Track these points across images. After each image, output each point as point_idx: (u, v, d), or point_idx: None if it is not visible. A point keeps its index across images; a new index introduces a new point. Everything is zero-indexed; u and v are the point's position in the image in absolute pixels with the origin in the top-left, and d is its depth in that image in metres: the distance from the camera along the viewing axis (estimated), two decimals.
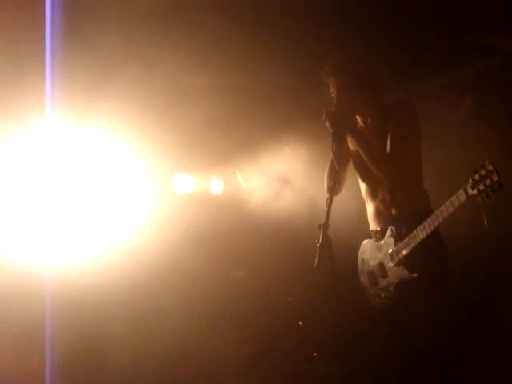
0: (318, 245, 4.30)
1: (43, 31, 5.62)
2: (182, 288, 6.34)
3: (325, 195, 4.57)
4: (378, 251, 4.65)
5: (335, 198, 4.52)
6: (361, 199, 4.79)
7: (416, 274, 4.41)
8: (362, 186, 4.77)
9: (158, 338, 6.12)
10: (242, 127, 6.37)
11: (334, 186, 4.56)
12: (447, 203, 4.17)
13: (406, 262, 4.45)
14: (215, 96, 6.05)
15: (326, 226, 4.34)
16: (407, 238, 4.42)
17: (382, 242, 4.60)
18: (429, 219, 4.30)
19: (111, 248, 6.10)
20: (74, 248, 6.00)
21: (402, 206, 4.54)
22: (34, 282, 5.82)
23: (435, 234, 4.35)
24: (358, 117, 4.69)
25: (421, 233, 4.34)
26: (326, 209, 4.42)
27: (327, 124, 4.55)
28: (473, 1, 5.32)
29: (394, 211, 4.56)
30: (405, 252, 4.44)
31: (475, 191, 4.01)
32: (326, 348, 6.20)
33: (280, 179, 6.32)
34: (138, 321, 6.17)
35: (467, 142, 5.70)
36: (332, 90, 4.62)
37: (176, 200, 6.54)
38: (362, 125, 4.69)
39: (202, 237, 6.44)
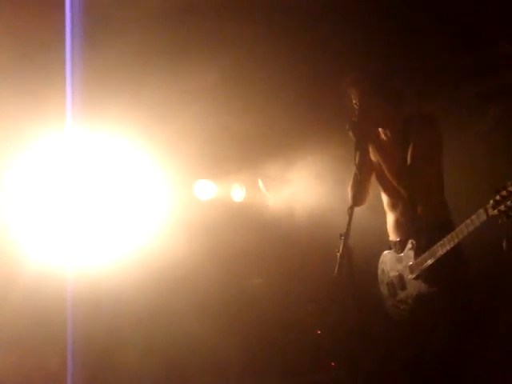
0: (338, 254, 4.32)
1: (64, 37, 5.69)
2: (200, 294, 6.35)
3: (346, 205, 4.58)
4: (397, 263, 4.65)
5: (357, 209, 4.53)
6: (382, 210, 4.79)
7: (435, 289, 4.42)
8: (384, 197, 4.78)
9: (172, 340, 6.15)
10: (264, 136, 6.40)
11: (357, 197, 4.57)
12: (467, 221, 4.17)
13: (426, 276, 4.45)
14: (240, 105, 6.10)
15: (346, 235, 4.35)
16: (427, 253, 4.41)
17: (402, 254, 4.60)
18: (449, 236, 4.29)
19: (131, 252, 6.13)
20: (95, 251, 6.04)
21: (422, 218, 4.54)
22: (55, 284, 5.86)
23: (456, 249, 4.34)
24: (379, 128, 4.70)
25: (440, 248, 4.34)
26: (347, 218, 4.44)
27: (350, 134, 4.56)
28: (499, 12, 5.32)
29: (414, 223, 4.56)
30: (424, 266, 4.44)
31: (496, 212, 4.00)
32: (343, 358, 6.19)
33: (302, 188, 6.34)
34: (153, 323, 6.20)
35: (490, 156, 5.69)
36: (354, 101, 4.64)
37: (198, 206, 6.57)
38: (384, 136, 4.70)
39: (223, 243, 6.47)
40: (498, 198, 3.98)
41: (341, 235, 4.34)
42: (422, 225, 4.53)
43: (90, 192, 6.09)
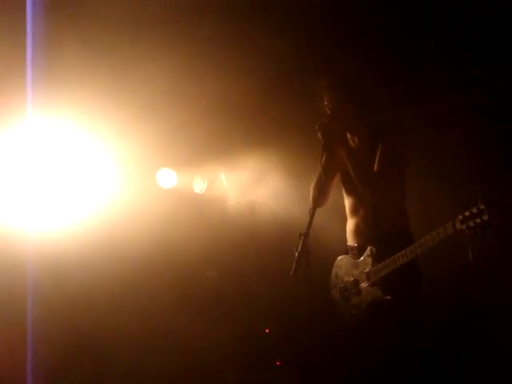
0: (296, 253, 4.31)
1: (24, 27, 5.64)
2: (153, 281, 6.33)
3: (308, 205, 4.59)
4: (353, 268, 4.66)
5: (318, 210, 4.53)
6: (343, 214, 4.81)
7: (389, 297, 4.44)
8: (346, 201, 4.79)
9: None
10: (231, 131, 6.38)
11: (319, 198, 4.58)
12: (433, 233, 4.20)
13: (382, 284, 4.47)
14: (208, 97, 6.07)
15: (306, 235, 4.34)
16: (386, 261, 4.43)
17: (360, 259, 4.62)
18: (412, 246, 4.32)
19: (92, 238, 6.07)
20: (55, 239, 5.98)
21: (383, 226, 4.57)
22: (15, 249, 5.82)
23: (413, 261, 4.37)
24: (348, 133, 4.72)
25: (401, 258, 4.36)
26: (308, 218, 4.43)
27: (319, 135, 4.58)
28: (472, 35, 5.39)
29: (374, 230, 4.58)
30: (382, 274, 4.45)
31: (464, 227, 4.04)
32: (290, 357, 6.21)
33: (264, 186, 6.33)
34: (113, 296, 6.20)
35: (452, 172, 5.76)
36: (326, 103, 4.65)
37: (159, 194, 6.54)
38: (353, 140, 4.71)
39: (180, 233, 6.43)
40: (467, 213, 4.03)
41: (300, 235, 4.34)
42: (382, 232, 4.55)
43: (51, 181, 6.04)
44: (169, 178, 6.67)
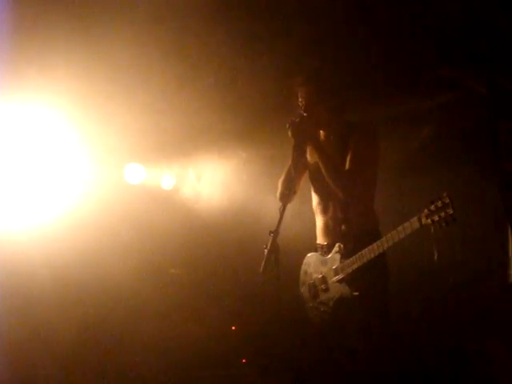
0: (265, 250, 4.32)
1: None
2: (118, 277, 6.29)
3: (277, 202, 4.60)
4: (322, 265, 4.69)
5: (288, 207, 4.55)
6: (312, 212, 4.83)
7: (357, 293, 4.48)
8: (314, 199, 4.82)
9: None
10: (201, 128, 6.35)
11: (287, 194, 4.60)
12: (399, 228, 4.25)
13: (349, 280, 4.51)
14: (179, 93, 6.03)
15: (276, 232, 4.35)
16: (354, 257, 4.48)
17: (328, 256, 4.65)
18: (378, 242, 4.37)
19: (55, 230, 6.01)
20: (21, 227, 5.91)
21: (352, 224, 4.60)
22: None
23: (381, 256, 4.42)
24: (320, 131, 4.74)
25: (369, 253, 4.41)
26: (277, 216, 4.45)
27: (290, 134, 4.59)
28: (440, 35, 5.45)
29: (343, 228, 4.62)
30: (349, 270, 4.50)
31: (429, 221, 4.11)
32: (257, 355, 6.22)
33: (233, 182, 6.34)
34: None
35: (420, 171, 5.82)
36: (300, 100, 4.67)
37: (126, 189, 6.50)
38: (324, 139, 4.74)
39: (147, 229, 6.41)
40: (432, 207, 4.10)
41: (270, 232, 4.35)
42: (350, 230, 4.59)
43: (16, 169, 5.96)
44: (137, 174, 6.63)
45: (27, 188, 6.04)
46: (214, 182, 6.54)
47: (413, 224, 4.19)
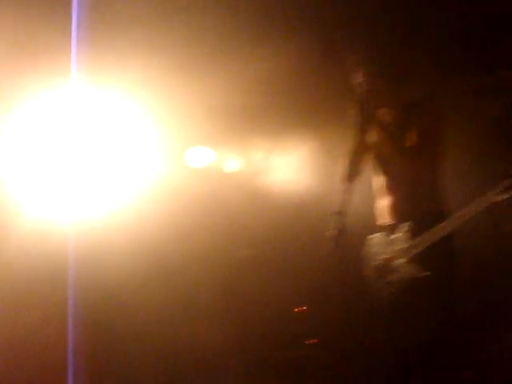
0: (330, 231, 4.29)
1: None
2: (188, 262, 6.35)
3: (340, 183, 4.56)
4: (388, 246, 4.62)
5: (352, 188, 4.50)
6: (376, 191, 4.77)
7: (426, 273, 4.40)
8: (379, 179, 4.74)
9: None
10: (264, 109, 6.35)
11: (351, 175, 4.55)
12: (469, 207, 4.16)
13: (417, 260, 4.43)
14: (244, 74, 6.04)
15: (341, 213, 4.32)
16: (422, 236, 4.39)
17: (394, 236, 4.58)
18: (448, 220, 4.28)
19: (119, 214, 6.09)
20: (91, 206, 6.00)
21: (418, 203, 4.51)
22: (55, 239, 5.83)
23: (450, 236, 4.33)
24: (383, 108, 4.66)
25: (438, 233, 4.32)
26: (341, 196, 4.41)
27: (353, 112, 4.53)
28: None
29: (409, 207, 4.53)
30: (418, 249, 4.42)
31: (499, 199, 4.00)
32: (326, 336, 6.20)
33: (299, 163, 6.32)
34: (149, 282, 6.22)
35: (492, 148, 5.68)
36: (359, 80, 4.60)
37: (191, 173, 6.54)
38: (387, 116, 4.66)
39: (214, 212, 6.44)
40: (503, 185, 4.00)
41: (335, 213, 4.31)
42: (416, 209, 4.50)
43: (87, 146, 6.02)
44: (202, 156, 6.66)
45: (99, 175, 6.13)
46: (280, 163, 6.52)
47: (483, 202, 4.10)
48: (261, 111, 6.37)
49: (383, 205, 4.69)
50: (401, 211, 4.57)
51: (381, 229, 4.69)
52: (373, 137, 4.68)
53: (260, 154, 6.72)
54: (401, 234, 4.53)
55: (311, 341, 6.41)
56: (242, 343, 6.30)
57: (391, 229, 4.60)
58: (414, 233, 4.45)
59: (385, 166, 4.66)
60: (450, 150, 4.59)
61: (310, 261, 6.01)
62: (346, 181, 4.53)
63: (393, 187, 4.63)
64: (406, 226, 4.51)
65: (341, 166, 4.69)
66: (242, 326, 6.38)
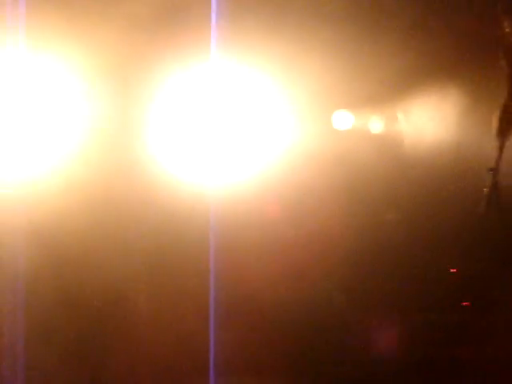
0: (485, 189, 4.15)
1: None
2: (330, 225, 6.31)
3: (492, 140, 4.39)
4: None
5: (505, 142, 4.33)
6: None
7: None
8: None
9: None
10: (409, 67, 6.18)
11: (506, 129, 4.37)
12: None
13: None
14: (389, 33, 5.91)
15: (495, 170, 4.16)
16: None
17: None
18: None
19: (263, 177, 6.12)
20: (232, 173, 6.08)
21: None
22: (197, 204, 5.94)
23: None
24: None
25: None
26: (496, 153, 4.24)
27: (503, 63, 4.34)
28: None
29: None
30: None
31: None
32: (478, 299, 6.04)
33: (443, 121, 6.14)
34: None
35: None
36: (507, 30, 4.40)
37: (334, 136, 6.47)
38: None
39: (357, 176, 6.36)
40: None
41: (489, 169, 4.16)
42: None
43: (226, 118, 6.09)
44: (345, 119, 6.58)
45: (239, 142, 6.17)
46: (428, 121, 6.36)
47: None
48: (404, 68, 6.21)
49: None
50: None
51: None
52: None
53: (407, 114, 6.58)
54: None
55: (465, 303, 6.27)
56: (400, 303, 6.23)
57: None
58: None
59: None
60: None
61: (463, 219, 5.85)
62: (499, 136, 4.35)
63: None
64: None
65: (494, 121, 4.52)
66: (395, 286, 6.31)
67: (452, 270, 6.45)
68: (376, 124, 6.66)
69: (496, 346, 5.52)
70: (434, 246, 6.37)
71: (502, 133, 4.44)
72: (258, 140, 6.24)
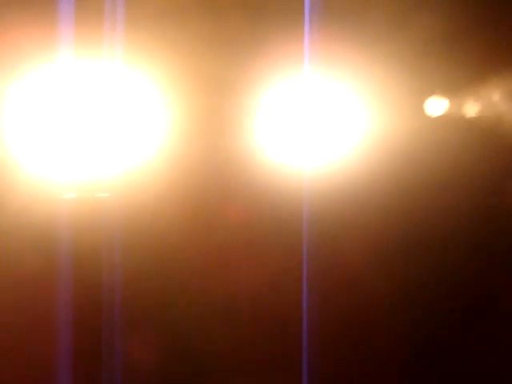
0: None
1: None
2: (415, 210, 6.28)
3: None
4: None
5: None
6: None
7: None
8: None
9: None
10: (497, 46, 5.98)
11: None
12: None
13: None
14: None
15: None
16: None
17: None
18: None
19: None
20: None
21: None
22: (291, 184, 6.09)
23: None
24: None
25: None
26: None
27: None
28: None
29: None
30: None
31: None
32: None
33: None
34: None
35: None
36: None
37: (427, 123, 6.40)
38: None
39: (457, 162, 6.27)
40: None
41: None
42: None
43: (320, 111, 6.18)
44: (438, 105, 6.47)
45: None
46: None
47: None
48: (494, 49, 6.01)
49: None
50: None
51: None
52: None
53: (499, 95, 6.35)
54: None
55: None
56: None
57: None
58: None
59: None
60: None
61: None
62: None
63: None
64: None
65: None
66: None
67: None
68: (471, 107, 6.50)
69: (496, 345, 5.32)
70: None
71: None
72: (351, 132, 6.28)
